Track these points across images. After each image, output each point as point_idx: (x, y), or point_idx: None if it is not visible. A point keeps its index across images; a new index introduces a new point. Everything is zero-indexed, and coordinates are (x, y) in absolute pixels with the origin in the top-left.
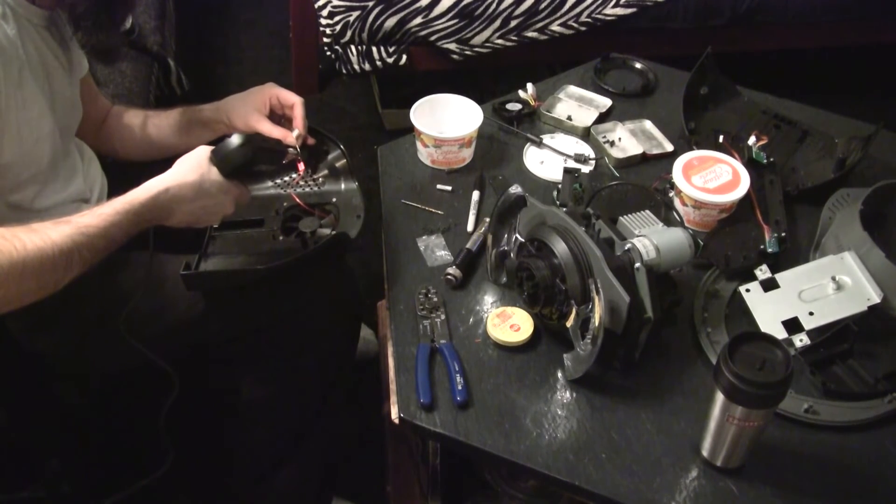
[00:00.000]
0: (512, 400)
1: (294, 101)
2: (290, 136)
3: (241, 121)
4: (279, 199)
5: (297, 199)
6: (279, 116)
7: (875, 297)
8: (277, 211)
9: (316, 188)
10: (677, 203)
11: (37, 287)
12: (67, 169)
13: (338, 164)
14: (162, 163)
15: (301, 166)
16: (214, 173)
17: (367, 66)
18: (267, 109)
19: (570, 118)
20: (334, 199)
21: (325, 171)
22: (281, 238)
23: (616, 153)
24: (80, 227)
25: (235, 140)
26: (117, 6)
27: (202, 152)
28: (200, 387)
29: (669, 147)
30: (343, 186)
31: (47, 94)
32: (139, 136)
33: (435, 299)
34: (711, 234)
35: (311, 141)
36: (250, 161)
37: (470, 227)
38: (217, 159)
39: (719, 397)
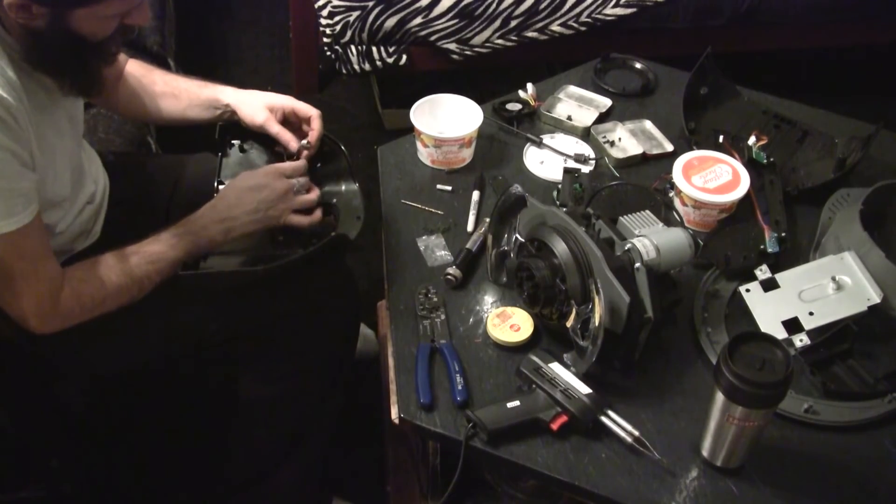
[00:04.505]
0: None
1: (312, 114)
2: (294, 143)
3: (248, 114)
4: None
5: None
6: (295, 127)
7: (875, 297)
8: None
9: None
10: (677, 203)
11: (115, 308)
12: (78, 174)
13: (338, 166)
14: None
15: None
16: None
17: (367, 66)
18: (279, 115)
19: (570, 118)
20: (334, 201)
21: (326, 173)
22: (280, 239)
23: (616, 153)
24: (147, 256)
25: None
26: (90, 56)
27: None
28: (200, 387)
29: (669, 147)
30: (343, 188)
31: (62, 106)
32: (151, 102)
33: (435, 299)
34: (711, 234)
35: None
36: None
37: (470, 227)
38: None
39: (719, 397)
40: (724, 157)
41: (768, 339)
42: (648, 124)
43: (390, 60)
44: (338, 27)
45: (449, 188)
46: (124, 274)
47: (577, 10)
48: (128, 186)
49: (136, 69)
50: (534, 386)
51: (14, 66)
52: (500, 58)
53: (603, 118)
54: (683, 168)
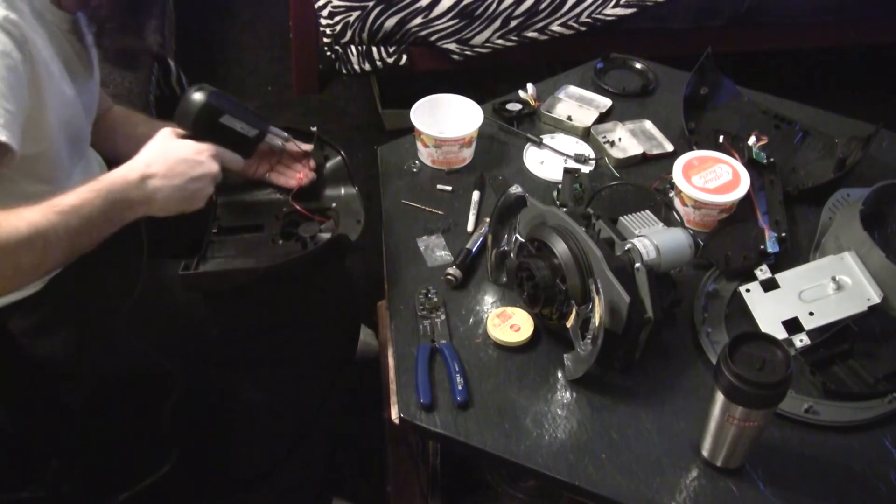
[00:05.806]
0: (512, 400)
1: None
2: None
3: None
4: (279, 204)
5: (297, 206)
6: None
7: (875, 297)
8: (277, 216)
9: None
10: (677, 203)
11: (13, 271)
12: (84, 174)
13: (338, 170)
14: None
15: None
16: (178, 135)
17: (367, 66)
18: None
19: (570, 118)
20: (334, 205)
21: (325, 177)
22: (280, 242)
23: (616, 153)
24: (53, 206)
25: (191, 91)
26: (138, 10)
27: (164, 128)
28: (200, 389)
29: (669, 147)
30: (343, 192)
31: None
32: (128, 144)
33: (435, 299)
34: (711, 234)
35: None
36: (213, 111)
37: (470, 227)
38: (178, 119)
39: (719, 397)
40: (724, 157)
41: (768, 339)
42: (648, 124)
43: (390, 60)
44: (338, 27)
45: (449, 188)
46: (26, 220)
47: (577, 10)
48: None
49: (119, 111)
50: None
51: (48, 29)
52: (500, 58)
53: (603, 118)
54: (683, 168)
